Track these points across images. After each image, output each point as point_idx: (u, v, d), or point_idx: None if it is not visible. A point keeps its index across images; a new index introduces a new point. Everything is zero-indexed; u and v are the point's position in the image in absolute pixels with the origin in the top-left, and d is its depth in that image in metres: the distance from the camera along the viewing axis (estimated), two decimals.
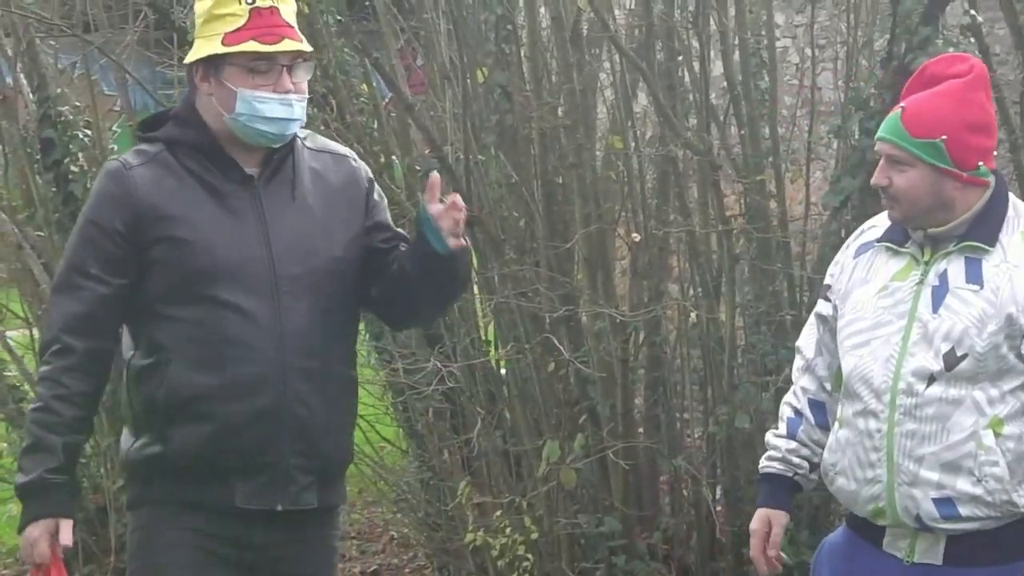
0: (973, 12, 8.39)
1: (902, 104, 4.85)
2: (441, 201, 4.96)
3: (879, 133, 4.87)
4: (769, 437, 5.19)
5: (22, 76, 10.05)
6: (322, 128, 8.70)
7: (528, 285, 8.18)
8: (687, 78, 8.39)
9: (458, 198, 5.01)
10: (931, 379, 4.71)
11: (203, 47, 4.94)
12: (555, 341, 8.09)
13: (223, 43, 4.92)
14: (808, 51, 8.75)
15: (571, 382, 8.19)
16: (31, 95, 9.88)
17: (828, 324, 5.03)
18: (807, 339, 5.15)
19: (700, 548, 8.10)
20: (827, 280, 5.08)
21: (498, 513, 8.13)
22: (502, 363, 8.50)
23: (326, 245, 5.06)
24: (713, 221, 8.22)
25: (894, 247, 4.89)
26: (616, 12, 8.71)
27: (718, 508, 7.98)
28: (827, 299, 5.05)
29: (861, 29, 8.32)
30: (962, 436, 4.68)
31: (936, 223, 4.80)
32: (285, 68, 4.96)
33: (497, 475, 8.37)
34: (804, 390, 5.13)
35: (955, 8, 8.47)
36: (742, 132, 8.22)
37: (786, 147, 8.34)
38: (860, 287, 4.93)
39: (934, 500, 4.70)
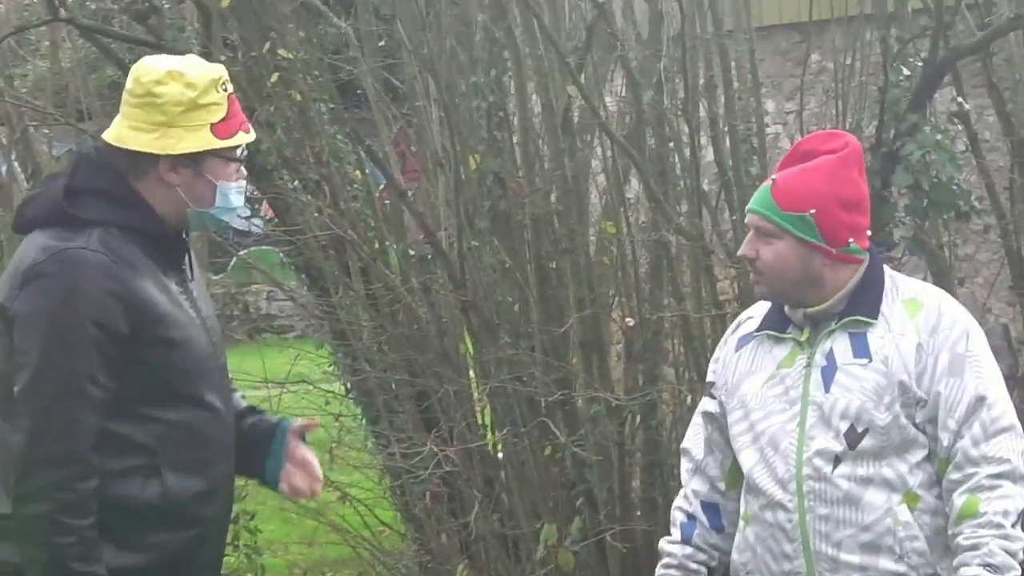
0: (960, 99, 8.44)
1: (773, 177, 4.79)
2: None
3: (749, 205, 4.83)
4: (663, 544, 5.08)
5: (16, 164, 10.10)
6: (316, 215, 8.79)
7: (523, 369, 8.22)
8: (678, 164, 8.42)
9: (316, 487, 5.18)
10: (837, 460, 4.66)
11: (189, 139, 4.75)
12: (551, 425, 8.10)
13: (216, 135, 4.78)
14: (798, 137, 8.67)
15: (568, 465, 8.20)
16: (26, 182, 9.90)
17: (716, 421, 4.96)
18: (694, 440, 5.07)
19: None
20: (709, 377, 5.04)
21: None
22: (499, 447, 8.51)
23: (218, 327, 5.06)
24: (707, 305, 8.23)
25: (775, 334, 4.83)
26: (606, 99, 8.75)
27: None
28: (712, 396, 4.99)
29: (850, 115, 8.35)
30: (878, 515, 4.64)
31: (805, 300, 4.76)
32: None
33: (495, 558, 8.36)
34: (695, 492, 5.02)
35: (944, 95, 8.51)
36: (734, 218, 8.19)
37: None
38: (747, 379, 4.86)
39: None
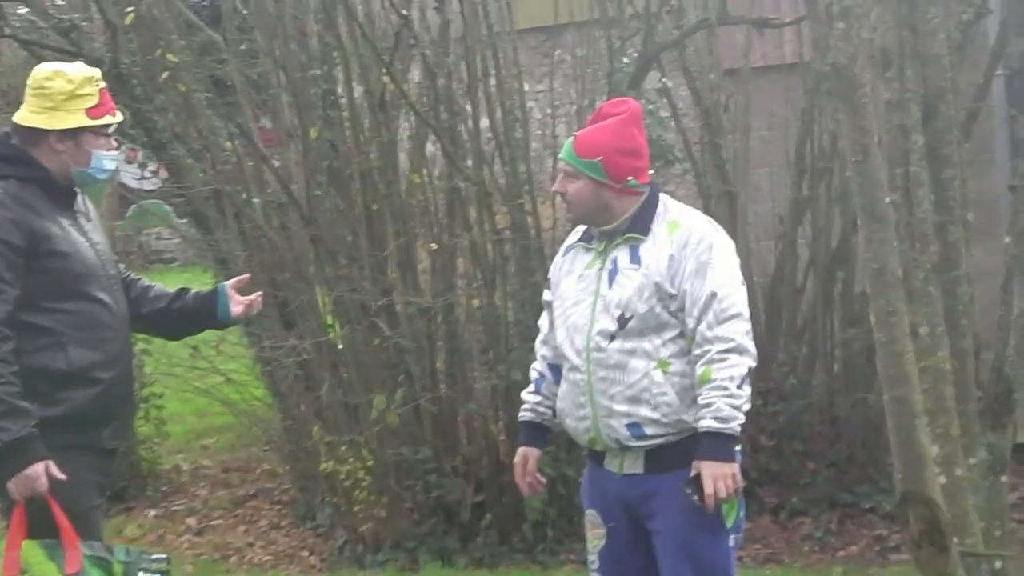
0: (664, 80, 8.64)
1: (575, 133, 4.93)
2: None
3: (560, 155, 4.91)
4: (523, 395, 5.16)
5: None
6: (200, 175, 8.78)
7: (357, 283, 8.25)
8: (464, 130, 8.44)
9: (260, 296, 5.40)
10: (612, 337, 4.72)
11: (69, 119, 4.94)
12: (379, 323, 8.17)
13: (89, 116, 4.97)
14: (548, 110, 8.89)
15: (391, 352, 8.22)
16: None
17: (551, 307, 5.02)
18: (543, 320, 5.12)
19: (490, 467, 8.17)
20: (549, 274, 5.14)
21: (343, 448, 8.18)
22: (340, 340, 8.50)
23: (112, 253, 5.24)
24: (488, 233, 8.29)
25: (585, 245, 4.92)
26: (410, 84, 8.76)
27: (501, 438, 8.08)
28: (548, 288, 5.09)
29: (586, 94, 8.46)
30: (638, 376, 4.70)
31: (600, 222, 4.82)
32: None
33: (341, 421, 8.38)
34: (543, 357, 5.08)
35: (651, 77, 8.67)
36: (506, 168, 8.29)
37: (537, 179, 8.48)
38: (566, 277, 4.94)
39: (626, 425, 4.72)
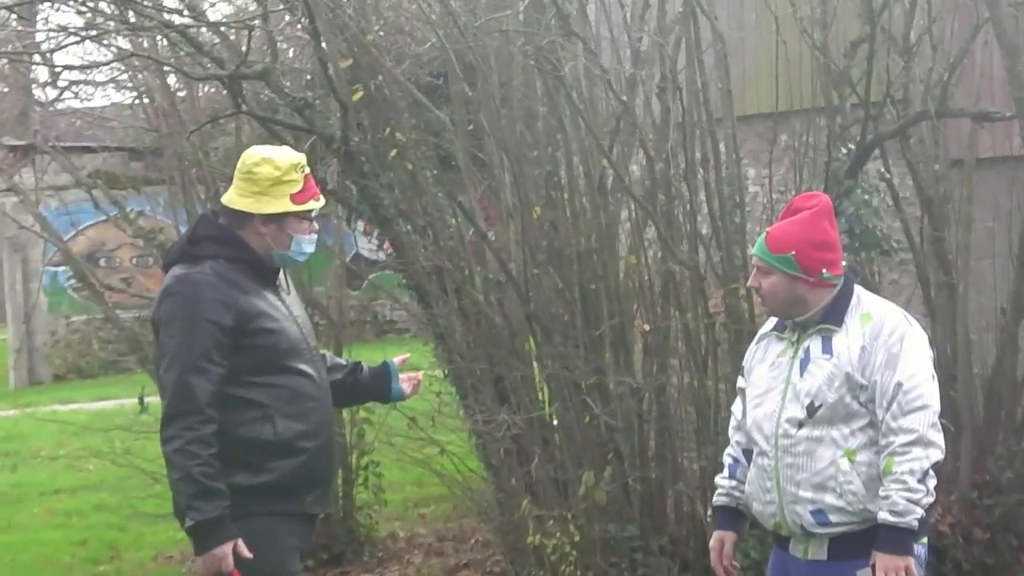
0: (881, 170, 8.49)
1: (767, 229, 4.94)
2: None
3: (752, 250, 4.96)
4: (717, 480, 5.23)
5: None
6: (423, 251, 8.84)
7: (570, 361, 8.21)
8: (681, 215, 8.39)
9: (421, 375, 5.62)
10: (800, 424, 4.75)
11: (274, 204, 5.03)
12: (590, 401, 8.11)
13: (294, 202, 5.06)
14: (772, 195, 8.78)
15: (602, 430, 8.17)
16: None
17: (744, 394, 5.07)
18: (737, 406, 5.17)
19: (696, 547, 8.04)
20: (743, 363, 5.16)
21: (551, 522, 8.13)
22: (552, 416, 8.48)
23: (310, 324, 5.36)
24: (701, 317, 8.21)
25: (778, 334, 4.96)
26: (631, 168, 8.72)
27: (708, 519, 7.91)
28: (743, 375, 5.12)
29: (805, 182, 8.34)
30: (825, 464, 4.71)
31: (797, 314, 4.84)
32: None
33: (550, 495, 8.34)
34: (738, 443, 5.15)
35: (876, 164, 8.53)
36: (721, 253, 8.21)
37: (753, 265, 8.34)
38: (758, 365, 5.00)
39: (811, 512, 4.75)
